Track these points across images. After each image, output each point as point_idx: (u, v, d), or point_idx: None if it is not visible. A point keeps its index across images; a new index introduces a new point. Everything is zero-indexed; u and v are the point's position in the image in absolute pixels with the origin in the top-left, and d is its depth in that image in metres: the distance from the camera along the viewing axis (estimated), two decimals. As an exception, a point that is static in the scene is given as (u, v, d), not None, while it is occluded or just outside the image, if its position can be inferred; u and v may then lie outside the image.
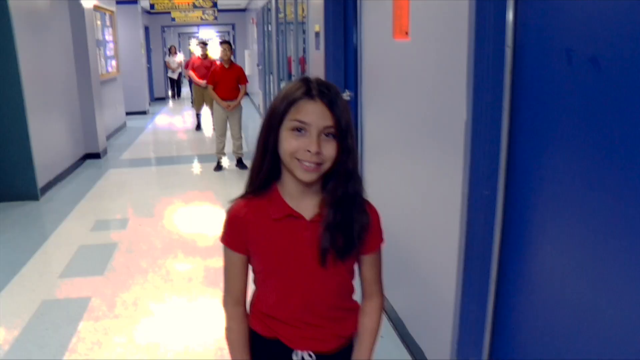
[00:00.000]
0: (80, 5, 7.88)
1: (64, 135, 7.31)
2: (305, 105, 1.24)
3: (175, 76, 17.56)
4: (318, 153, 1.24)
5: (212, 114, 9.10)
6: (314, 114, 1.24)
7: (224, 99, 6.94)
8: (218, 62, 7.49)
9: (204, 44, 10.56)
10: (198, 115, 10.80)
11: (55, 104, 6.95)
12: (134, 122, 12.43)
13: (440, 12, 2.34)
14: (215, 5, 10.12)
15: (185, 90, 17.98)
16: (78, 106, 8.03)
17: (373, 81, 3.51)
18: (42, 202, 5.96)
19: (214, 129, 7.98)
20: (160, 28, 17.45)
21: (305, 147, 1.24)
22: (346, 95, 4.52)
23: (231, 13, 17.54)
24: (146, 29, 16.48)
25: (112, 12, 10.67)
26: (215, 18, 14.85)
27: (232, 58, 7.13)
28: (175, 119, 13.19)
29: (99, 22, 9.48)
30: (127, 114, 13.23)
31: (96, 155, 8.31)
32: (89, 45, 8.07)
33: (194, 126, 10.99)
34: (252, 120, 11.49)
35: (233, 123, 7.14)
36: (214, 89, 6.94)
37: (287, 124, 1.26)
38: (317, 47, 5.05)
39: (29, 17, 6.13)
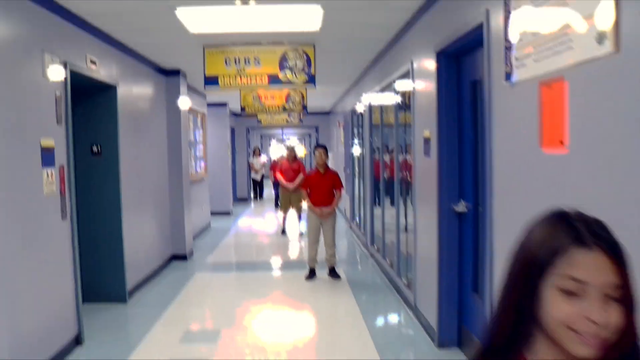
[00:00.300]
0: (177, 107, 8.00)
1: (154, 235, 7.15)
2: (581, 257, 0.90)
3: (258, 177, 17.71)
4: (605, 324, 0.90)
5: (299, 217, 8.75)
6: (595, 270, 0.90)
7: (317, 205, 6.73)
8: (308, 167, 7.40)
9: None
10: (284, 219, 10.55)
11: (147, 203, 6.85)
12: (218, 222, 12.35)
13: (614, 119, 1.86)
14: (305, 108, 10.11)
15: (267, 191, 18.10)
16: (168, 206, 7.94)
17: (511, 194, 3.01)
18: (130, 305, 5.68)
19: (300, 234, 7.82)
20: (245, 129, 17.89)
21: (585, 313, 0.89)
22: (462, 206, 4.07)
23: (315, 116, 17.81)
24: (232, 130, 16.90)
25: (203, 114, 10.90)
26: (301, 121, 15.01)
27: (327, 163, 6.98)
28: (258, 221, 13.10)
29: (191, 124, 9.64)
30: (212, 213, 13.23)
31: (183, 257, 8.10)
32: (182, 146, 8.10)
33: (278, 229, 10.70)
34: (340, 226, 11.12)
35: (327, 230, 6.83)
36: (309, 195, 6.80)
37: (555, 281, 0.92)
38: (427, 154, 4.61)
39: (131, 117, 6.16)
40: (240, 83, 6.14)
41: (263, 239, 10.32)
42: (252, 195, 18.26)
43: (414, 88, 5.08)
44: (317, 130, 18.44)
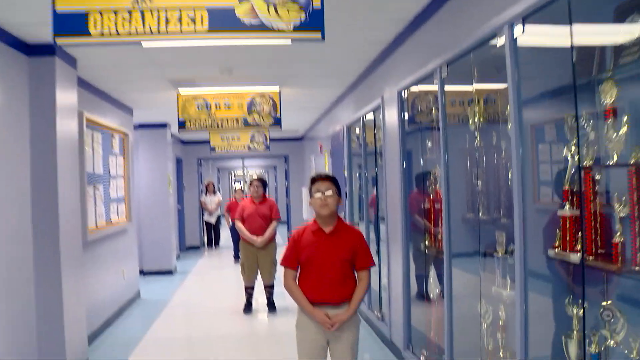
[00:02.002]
0: (51, 112, 4.42)
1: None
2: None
3: (212, 220, 14.04)
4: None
5: (270, 289, 6.93)
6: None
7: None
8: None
9: (260, 181, 7.01)
10: (248, 290, 6.95)
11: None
12: (153, 288, 8.65)
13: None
14: (277, 121, 6.63)
15: (225, 235, 14.44)
16: (32, 293, 4.29)
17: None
18: None
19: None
20: (196, 161, 14.25)
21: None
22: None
23: (283, 143, 14.33)
24: (178, 161, 13.26)
25: (125, 134, 7.29)
26: (267, 147, 11.50)
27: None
28: (212, 284, 9.33)
29: (96, 146, 6.02)
30: (145, 273, 9.50)
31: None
32: (61, 182, 4.48)
33: (242, 302, 7.06)
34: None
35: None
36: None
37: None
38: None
39: None
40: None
41: (220, 324, 6.62)
42: (205, 241, 14.53)
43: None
44: (286, 159, 14.92)
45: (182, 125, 6.75)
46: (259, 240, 6.59)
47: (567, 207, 2.44)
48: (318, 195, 3.11)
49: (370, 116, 5.91)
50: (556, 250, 2.51)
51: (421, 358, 4.31)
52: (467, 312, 3.52)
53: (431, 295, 4.33)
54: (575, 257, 2.35)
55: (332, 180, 3.18)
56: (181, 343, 5.82)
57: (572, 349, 2.38)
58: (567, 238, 2.42)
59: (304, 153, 13.77)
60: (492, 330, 3.16)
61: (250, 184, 6.95)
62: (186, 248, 13.71)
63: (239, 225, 6.79)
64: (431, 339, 4.30)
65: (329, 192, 3.10)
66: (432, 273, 4.30)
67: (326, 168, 9.50)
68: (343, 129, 7.29)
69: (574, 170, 2.40)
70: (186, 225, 13.76)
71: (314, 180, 3.19)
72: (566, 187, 2.46)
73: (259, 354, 5.38)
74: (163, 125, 9.94)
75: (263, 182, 6.96)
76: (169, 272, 9.94)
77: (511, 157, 2.67)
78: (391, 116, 4.88)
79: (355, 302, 3.14)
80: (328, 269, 3.10)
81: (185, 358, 5.33)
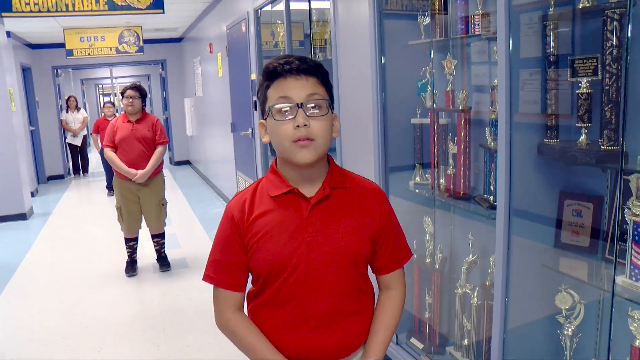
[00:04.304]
0: None
1: None
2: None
3: (77, 142, 11.61)
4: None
5: (159, 236, 5.16)
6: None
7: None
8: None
9: (136, 89, 4.92)
10: (130, 243, 5.10)
11: None
12: (-4, 244, 6.51)
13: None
14: (158, 3, 4.56)
15: (96, 159, 12.06)
16: None
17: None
18: None
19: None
20: (51, 70, 11.49)
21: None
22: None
23: (159, 45, 11.92)
24: (24, 70, 10.53)
25: None
26: (140, 49, 9.19)
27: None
28: (82, 229, 7.23)
29: None
30: (-14, 224, 7.29)
31: None
32: None
33: (124, 265, 5.20)
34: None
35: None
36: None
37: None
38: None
39: None
40: None
41: (92, 296, 4.76)
42: (70, 168, 12.11)
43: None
44: (163, 66, 12.55)
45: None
46: (138, 174, 4.73)
47: None
48: (286, 108, 1.34)
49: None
50: None
51: None
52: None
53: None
54: None
55: (314, 72, 1.38)
56: (33, 336, 3.93)
57: None
58: None
59: (185, 57, 11.52)
60: None
61: (123, 95, 4.85)
62: (47, 179, 11.28)
63: (109, 154, 4.79)
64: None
65: (312, 105, 1.35)
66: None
67: (219, 74, 7.52)
68: (248, 17, 5.35)
69: None
70: (44, 151, 11.25)
71: (272, 74, 1.37)
72: None
73: (154, 338, 3.65)
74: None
75: (141, 91, 4.90)
76: (22, 217, 7.70)
77: None
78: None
79: (380, 345, 1.49)
80: (320, 282, 1.40)
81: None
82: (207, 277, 1.49)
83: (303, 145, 1.33)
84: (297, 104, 1.33)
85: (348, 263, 1.41)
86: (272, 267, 1.40)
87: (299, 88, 1.34)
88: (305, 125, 1.32)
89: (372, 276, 1.54)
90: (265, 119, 1.41)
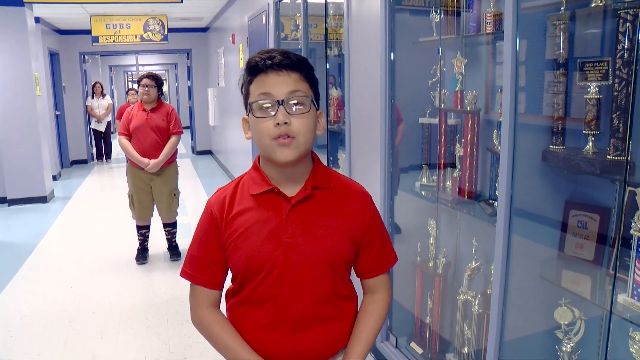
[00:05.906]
0: None
1: None
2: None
3: (102, 128, 11.75)
4: None
5: (172, 225, 5.20)
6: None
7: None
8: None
9: (151, 77, 4.90)
10: (142, 231, 5.12)
11: None
12: (15, 224, 6.60)
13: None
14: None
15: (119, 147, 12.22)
16: None
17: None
18: None
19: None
20: (78, 56, 11.62)
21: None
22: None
23: (185, 34, 11.96)
24: (53, 56, 10.65)
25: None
26: (165, 38, 9.22)
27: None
28: (101, 214, 7.27)
29: None
30: (10, 202, 7.43)
31: None
32: None
33: (136, 253, 5.21)
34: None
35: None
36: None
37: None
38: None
39: None
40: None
41: (102, 282, 4.80)
42: (94, 154, 12.25)
43: None
44: (188, 55, 12.59)
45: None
46: (151, 163, 4.73)
47: None
48: (267, 105, 1.29)
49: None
50: None
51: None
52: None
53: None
54: None
55: (297, 67, 1.31)
56: (41, 317, 3.96)
57: None
58: None
59: (210, 47, 11.53)
60: None
61: (139, 83, 4.88)
62: (70, 163, 11.42)
63: (123, 142, 4.81)
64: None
65: (294, 102, 1.29)
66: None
67: (241, 65, 7.50)
68: (268, 9, 5.31)
69: None
70: (69, 136, 11.38)
71: (254, 70, 1.31)
72: None
73: (157, 327, 3.65)
74: (17, 3, 7.26)
75: (157, 80, 4.88)
76: (42, 199, 7.80)
77: None
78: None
79: (362, 346, 1.43)
80: (297, 285, 1.35)
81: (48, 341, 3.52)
82: (183, 273, 1.47)
83: (283, 144, 1.28)
84: (278, 101, 1.27)
85: (327, 266, 1.36)
86: (249, 266, 1.36)
87: (280, 84, 1.28)
88: (285, 122, 1.26)
89: (356, 282, 1.48)
90: (247, 115, 1.36)
